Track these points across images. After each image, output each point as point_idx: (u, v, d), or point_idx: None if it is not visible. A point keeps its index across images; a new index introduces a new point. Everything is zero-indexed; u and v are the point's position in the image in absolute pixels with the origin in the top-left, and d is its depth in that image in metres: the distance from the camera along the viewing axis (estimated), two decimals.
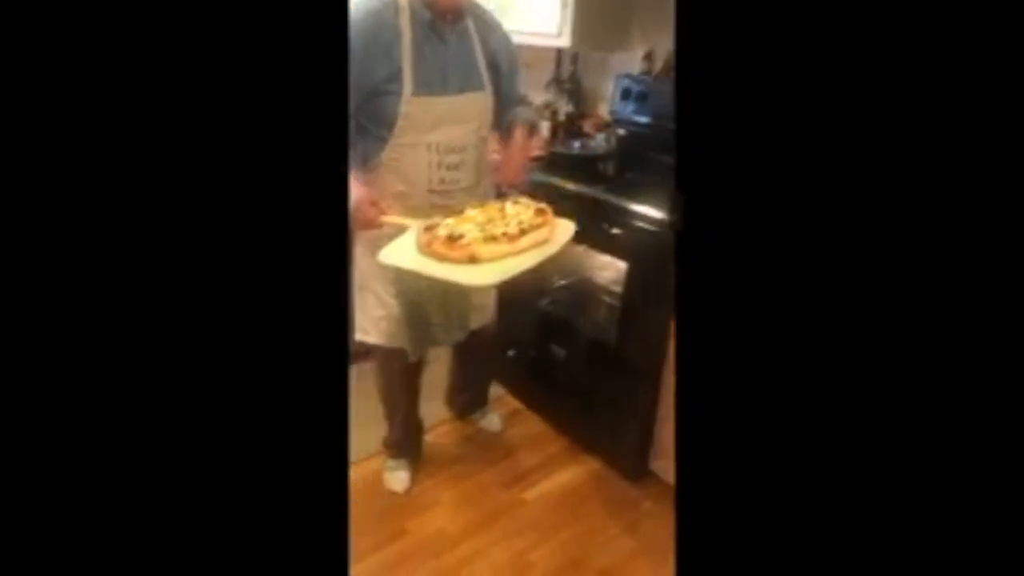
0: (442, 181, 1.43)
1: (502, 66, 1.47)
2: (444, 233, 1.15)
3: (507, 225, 1.17)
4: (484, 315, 1.72)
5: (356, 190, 1.30)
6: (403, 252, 1.19)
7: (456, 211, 1.31)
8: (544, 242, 1.16)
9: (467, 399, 2.06)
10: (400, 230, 1.29)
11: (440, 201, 1.43)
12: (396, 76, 1.32)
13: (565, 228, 1.26)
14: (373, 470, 1.87)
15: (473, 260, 1.08)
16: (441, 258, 1.09)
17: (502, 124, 1.52)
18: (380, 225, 1.31)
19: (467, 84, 1.41)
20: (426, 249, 1.12)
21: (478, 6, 1.46)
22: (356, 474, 1.85)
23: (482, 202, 1.35)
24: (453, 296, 1.58)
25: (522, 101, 1.58)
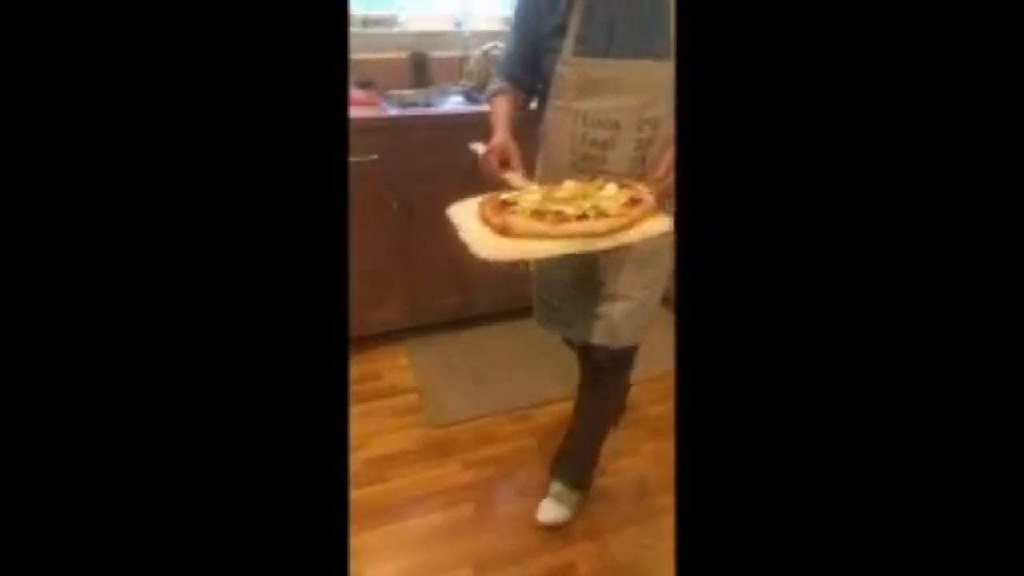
0: (584, 158, 1.23)
1: None
2: (504, 196, 1.03)
3: (579, 205, 0.98)
4: (612, 335, 1.38)
5: (498, 136, 1.22)
6: (466, 207, 1.07)
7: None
8: (599, 235, 0.93)
9: (565, 459, 1.68)
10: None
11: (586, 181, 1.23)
12: (560, 31, 1.18)
13: (646, 228, 0.98)
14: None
15: (504, 231, 0.93)
16: (483, 221, 0.97)
17: None
18: (501, 181, 1.19)
19: (640, 50, 1.14)
20: (478, 208, 1.01)
21: None
22: (558, 409, 1.95)
23: (593, 176, 1.14)
24: (582, 286, 1.39)
25: None
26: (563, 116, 1.23)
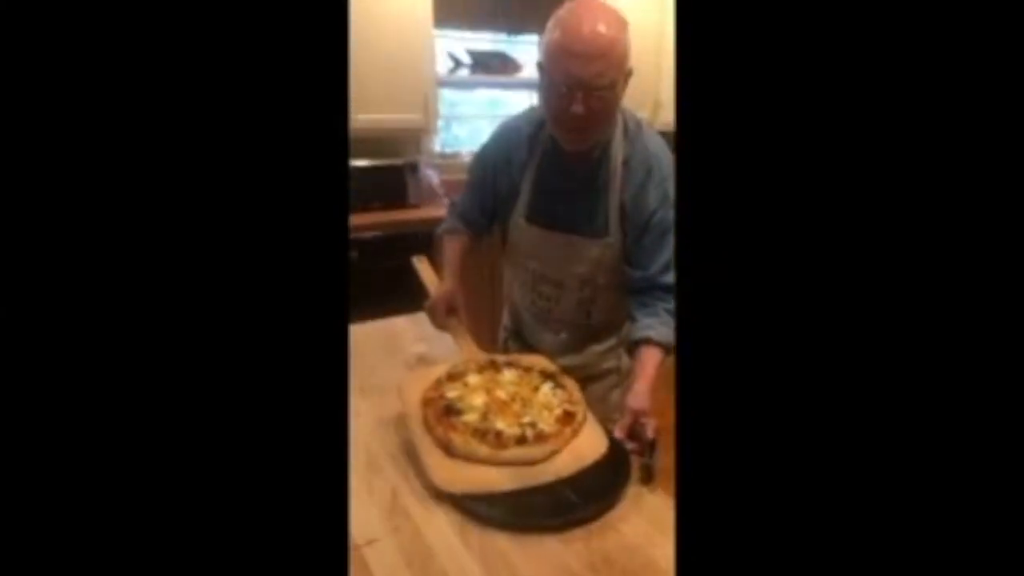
0: (534, 303, 1.35)
1: (634, 221, 1.19)
2: (443, 405, 1.02)
3: (516, 420, 0.99)
4: None
5: (446, 284, 1.31)
6: (412, 392, 1.08)
7: (502, 364, 1.15)
8: (530, 463, 0.93)
9: None
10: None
11: (536, 322, 1.37)
12: (514, 194, 1.27)
13: (577, 453, 0.96)
14: None
15: (446, 449, 0.94)
16: (425, 426, 0.99)
17: (636, 301, 1.21)
18: (445, 330, 1.30)
19: (581, 227, 1.22)
20: (423, 406, 1.03)
21: (640, 145, 1.18)
22: None
23: (528, 367, 1.15)
24: None
25: (670, 286, 1.17)
26: (517, 269, 1.36)
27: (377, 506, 0.87)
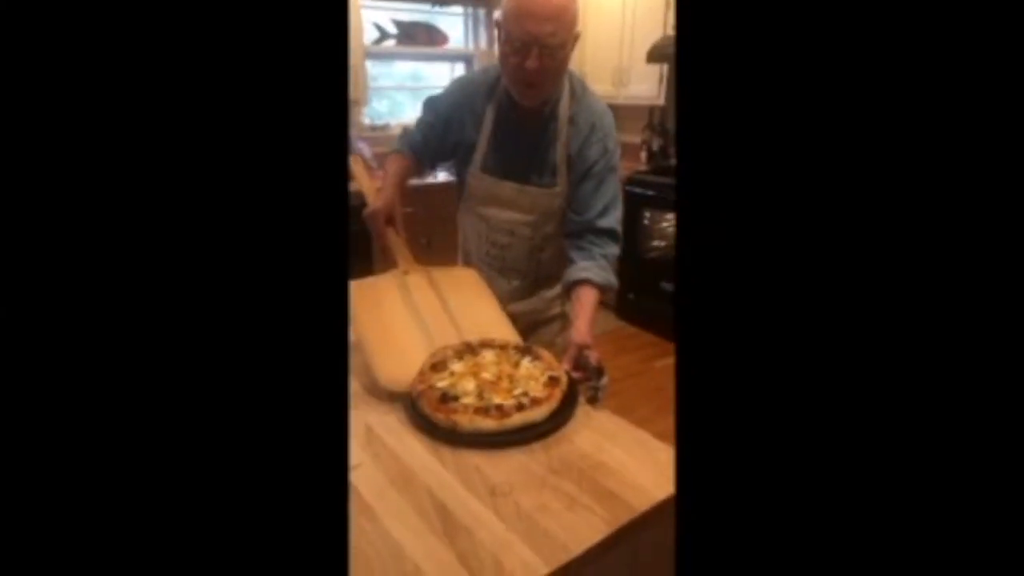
0: (488, 253, 1.46)
1: (577, 171, 1.33)
2: (438, 394, 1.04)
3: (509, 394, 1.05)
4: None
5: (386, 196, 1.36)
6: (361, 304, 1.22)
7: (477, 346, 1.18)
8: (533, 425, 0.99)
9: None
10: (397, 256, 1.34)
11: (491, 271, 1.45)
12: (472, 146, 1.38)
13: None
14: None
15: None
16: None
17: (574, 245, 1.36)
18: (384, 238, 1.37)
19: (532, 177, 1.36)
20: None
21: (584, 104, 1.33)
22: None
23: (503, 345, 1.19)
24: None
25: (604, 230, 1.34)
26: (471, 217, 1.46)
27: (354, 440, 0.96)
